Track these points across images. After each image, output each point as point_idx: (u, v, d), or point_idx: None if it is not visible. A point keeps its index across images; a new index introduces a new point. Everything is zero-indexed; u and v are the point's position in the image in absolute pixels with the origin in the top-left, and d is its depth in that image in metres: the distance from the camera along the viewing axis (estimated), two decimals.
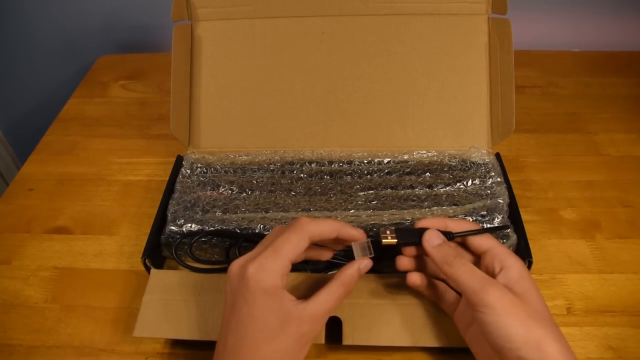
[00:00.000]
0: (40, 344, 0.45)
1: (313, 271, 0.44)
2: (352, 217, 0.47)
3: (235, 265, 0.35)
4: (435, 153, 0.54)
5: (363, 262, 0.37)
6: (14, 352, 0.45)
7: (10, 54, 0.89)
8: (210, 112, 0.56)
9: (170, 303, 0.42)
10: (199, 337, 0.41)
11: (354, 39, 0.55)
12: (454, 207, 0.48)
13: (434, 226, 0.39)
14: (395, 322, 0.40)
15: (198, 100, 0.56)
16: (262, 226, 0.46)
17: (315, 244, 0.39)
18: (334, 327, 0.40)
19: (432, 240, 0.38)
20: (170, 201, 0.50)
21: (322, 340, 0.39)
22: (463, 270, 0.36)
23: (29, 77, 0.93)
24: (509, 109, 0.53)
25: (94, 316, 0.47)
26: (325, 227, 0.36)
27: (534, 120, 0.67)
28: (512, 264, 0.36)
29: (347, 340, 0.39)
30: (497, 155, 0.54)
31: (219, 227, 0.47)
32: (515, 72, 0.52)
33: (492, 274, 0.36)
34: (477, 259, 0.39)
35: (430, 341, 0.40)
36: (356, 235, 0.38)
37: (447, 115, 0.55)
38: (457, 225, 0.39)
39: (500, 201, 0.48)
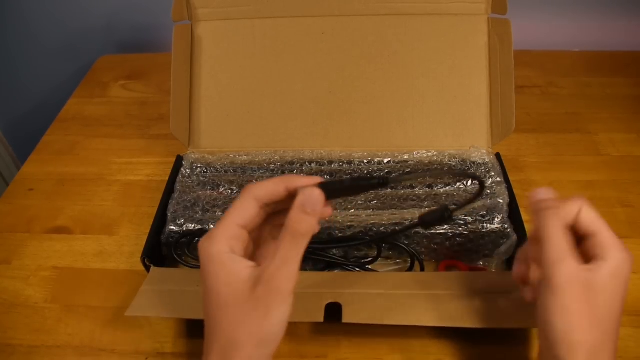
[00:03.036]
0: (40, 344, 0.45)
1: (313, 270, 0.44)
2: (352, 217, 0.47)
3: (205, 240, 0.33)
4: (435, 153, 0.54)
5: (305, 194, 0.30)
6: (14, 352, 0.45)
7: (10, 54, 0.89)
8: (210, 112, 0.56)
9: (167, 292, 0.42)
10: (193, 316, 0.40)
11: (354, 39, 0.55)
12: (453, 207, 0.47)
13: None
14: (395, 306, 0.40)
15: (198, 100, 0.56)
16: None
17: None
18: (333, 313, 0.40)
19: (542, 195, 0.36)
20: (170, 201, 0.50)
21: (321, 319, 0.39)
22: (552, 231, 0.32)
23: (29, 77, 0.93)
24: (509, 109, 0.53)
25: (94, 316, 0.47)
26: (269, 184, 0.32)
27: (534, 120, 0.67)
28: (611, 258, 0.31)
29: (346, 318, 0.39)
30: (497, 155, 0.54)
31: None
32: (515, 72, 0.52)
33: (587, 261, 0.32)
34: (581, 240, 0.34)
35: (432, 321, 0.39)
36: (305, 182, 0.32)
37: (447, 115, 0.55)
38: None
39: (500, 201, 0.48)
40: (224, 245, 0.31)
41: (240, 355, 0.30)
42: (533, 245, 0.35)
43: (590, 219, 0.33)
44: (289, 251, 0.30)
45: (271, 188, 0.32)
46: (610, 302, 0.31)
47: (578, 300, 0.30)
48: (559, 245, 0.31)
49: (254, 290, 0.30)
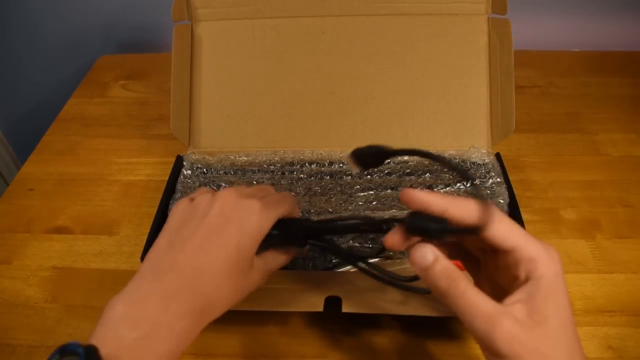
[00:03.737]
0: (40, 344, 0.45)
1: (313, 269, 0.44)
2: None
3: (237, 192, 0.35)
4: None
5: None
6: (14, 352, 0.45)
7: (10, 54, 0.89)
8: (210, 112, 0.56)
9: None
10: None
11: (354, 39, 0.55)
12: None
13: (419, 201, 0.30)
14: (395, 297, 0.40)
15: (198, 100, 0.56)
16: None
17: None
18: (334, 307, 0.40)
19: (421, 260, 0.29)
20: (171, 201, 0.50)
21: (321, 308, 0.39)
22: (465, 304, 0.28)
23: (29, 77, 0.93)
24: (509, 109, 0.53)
25: (94, 316, 0.46)
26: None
27: (534, 120, 0.67)
28: (542, 275, 0.28)
29: (346, 309, 0.39)
30: (497, 155, 0.54)
31: None
32: (515, 72, 0.52)
33: (515, 281, 0.29)
34: (496, 254, 0.30)
35: (432, 311, 0.39)
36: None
37: (447, 115, 0.55)
38: (440, 204, 0.29)
39: (501, 201, 0.48)
40: (265, 230, 0.34)
41: (214, 315, 0.33)
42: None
43: (503, 231, 0.29)
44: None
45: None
46: (559, 323, 0.28)
47: (528, 347, 0.27)
48: (477, 316, 0.27)
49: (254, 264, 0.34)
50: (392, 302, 0.40)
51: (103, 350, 0.27)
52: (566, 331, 0.28)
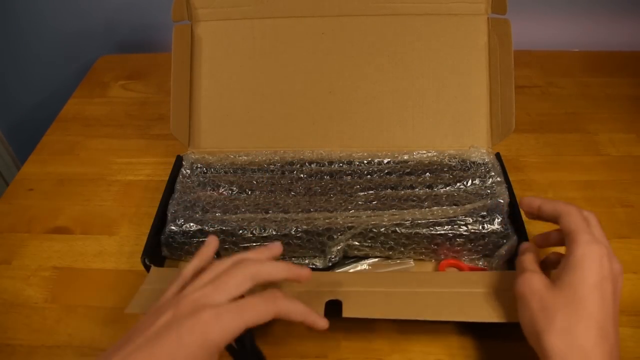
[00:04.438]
0: (40, 344, 0.45)
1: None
2: (352, 217, 0.47)
3: (190, 290, 0.33)
4: (435, 153, 0.54)
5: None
6: (14, 352, 0.45)
7: (10, 54, 0.89)
8: (210, 112, 0.56)
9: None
10: None
11: (354, 39, 0.55)
12: (454, 207, 0.48)
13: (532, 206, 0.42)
14: (395, 302, 0.40)
15: (198, 100, 0.56)
16: (261, 227, 0.46)
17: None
18: (334, 311, 0.40)
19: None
20: (170, 201, 0.50)
21: (321, 313, 0.39)
22: (519, 263, 0.40)
23: (29, 77, 0.93)
24: (509, 109, 0.53)
25: (94, 316, 0.47)
26: (295, 311, 0.34)
27: (534, 120, 0.67)
28: (571, 252, 0.36)
29: (346, 313, 0.39)
30: (497, 155, 0.54)
31: (219, 228, 0.47)
32: (515, 72, 0.52)
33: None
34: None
35: (432, 315, 0.39)
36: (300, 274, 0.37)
37: (447, 115, 0.55)
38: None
39: (501, 201, 0.48)
40: (223, 344, 0.32)
41: None
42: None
43: (563, 221, 0.38)
44: None
45: (293, 315, 0.35)
46: (580, 303, 0.34)
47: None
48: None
49: None
50: (392, 306, 0.40)
51: None
52: (577, 302, 0.34)
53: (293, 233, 0.46)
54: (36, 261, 0.52)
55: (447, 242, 0.46)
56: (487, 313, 0.39)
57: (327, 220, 0.46)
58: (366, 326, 0.44)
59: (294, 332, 0.45)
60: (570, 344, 0.33)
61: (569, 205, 0.39)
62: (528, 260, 0.40)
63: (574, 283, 0.35)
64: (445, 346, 0.43)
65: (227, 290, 0.33)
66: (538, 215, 0.41)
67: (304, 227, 0.46)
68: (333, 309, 0.40)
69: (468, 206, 0.47)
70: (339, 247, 0.47)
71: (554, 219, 0.39)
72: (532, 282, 0.37)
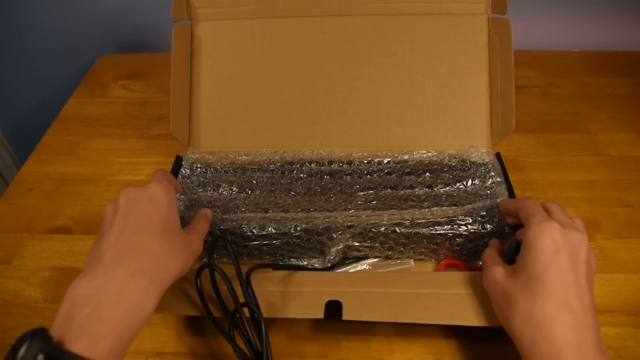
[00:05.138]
0: None
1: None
2: (352, 217, 0.47)
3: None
4: (435, 153, 0.54)
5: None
6: None
7: (10, 54, 0.89)
8: (210, 112, 0.56)
9: (167, 290, 0.42)
10: (193, 312, 0.41)
11: (354, 39, 0.55)
12: (453, 207, 0.48)
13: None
14: (395, 304, 0.40)
15: (198, 100, 0.56)
16: (260, 226, 0.46)
17: None
18: (333, 311, 0.40)
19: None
20: None
21: (321, 315, 0.39)
22: (484, 260, 0.42)
23: (29, 77, 0.93)
24: (509, 109, 0.53)
25: None
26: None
27: (534, 120, 0.67)
28: (525, 241, 0.37)
29: (346, 316, 0.39)
30: (498, 155, 0.54)
31: (219, 228, 0.47)
32: (515, 72, 0.52)
33: None
34: None
35: (432, 318, 0.39)
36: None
37: (447, 115, 0.55)
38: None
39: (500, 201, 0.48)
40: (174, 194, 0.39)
41: (169, 274, 0.35)
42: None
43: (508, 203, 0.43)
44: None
45: None
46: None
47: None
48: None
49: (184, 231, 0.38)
50: (392, 308, 0.40)
51: (57, 330, 0.29)
52: (534, 281, 0.35)
53: (292, 232, 0.46)
54: (36, 261, 0.52)
55: (447, 242, 0.46)
56: (487, 317, 0.39)
57: (326, 220, 0.46)
58: (366, 326, 0.44)
59: (294, 332, 0.45)
60: (531, 324, 0.34)
61: (527, 199, 0.41)
62: (488, 256, 0.41)
63: (528, 264, 0.35)
64: (445, 346, 0.43)
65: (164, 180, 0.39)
66: (507, 216, 0.43)
67: (304, 225, 0.46)
68: (333, 309, 0.40)
69: (468, 206, 0.47)
70: (338, 248, 0.46)
71: (517, 216, 0.40)
72: (494, 275, 0.38)
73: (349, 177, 0.53)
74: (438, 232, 0.46)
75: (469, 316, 0.39)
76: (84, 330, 0.29)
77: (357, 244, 0.47)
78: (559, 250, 0.35)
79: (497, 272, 0.38)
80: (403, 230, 0.46)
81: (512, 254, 0.40)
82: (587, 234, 0.37)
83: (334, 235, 0.46)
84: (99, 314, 0.30)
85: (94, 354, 0.28)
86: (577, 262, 0.35)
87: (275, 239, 0.46)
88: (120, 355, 0.30)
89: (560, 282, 0.34)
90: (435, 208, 0.48)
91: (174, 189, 0.40)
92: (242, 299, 0.40)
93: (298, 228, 0.46)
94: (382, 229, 0.46)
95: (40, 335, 0.28)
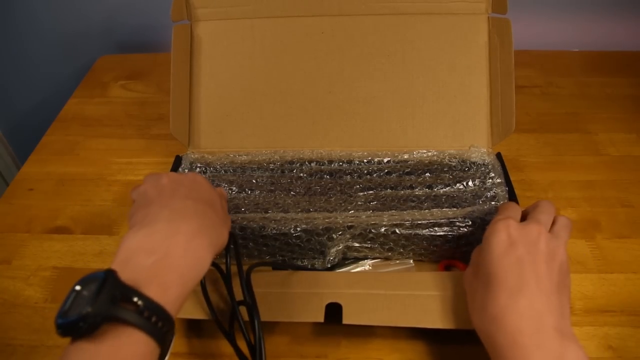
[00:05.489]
0: (40, 344, 0.45)
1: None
2: (352, 218, 0.47)
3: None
4: (435, 153, 0.54)
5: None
6: (14, 352, 0.45)
7: (10, 54, 0.89)
8: (210, 112, 0.56)
9: None
10: (194, 315, 0.41)
11: (354, 39, 0.55)
12: (453, 209, 0.48)
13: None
14: (395, 307, 0.40)
15: (198, 100, 0.56)
16: (260, 226, 0.46)
17: None
18: (333, 313, 0.40)
19: None
20: None
21: (321, 319, 0.39)
22: None
23: (29, 77, 0.93)
24: (509, 109, 0.53)
25: None
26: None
27: (534, 120, 0.67)
28: (483, 241, 0.38)
29: (347, 319, 0.39)
30: (498, 155, 0.54)
31: None
32: (515, 72, 0.52)
33: None
34: None
35: (433, 322, 0.39)
36: None
37: (447, 115, 0.55)
38: None
39: (500, 202, 0.48)
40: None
41: (221, 244, 0.37)
42: None
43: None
44: None
45: None
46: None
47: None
48: None
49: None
50: (392, 311, 0.40)
51: (122, 275, 0.28)
52: (489, 277, 0.35)
53: (292, 232, 0.46)
54: (36, 261, 0.52)
55: (447, 244, 0.46)
56: None
57: (326, 220, 0.46)
58: (366, 327, 0.44)
59: (295, 332, 0.45)
60: (485, 317, 0.34)
61: (507, 203, 0.42)
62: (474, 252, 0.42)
63: (483, 261, 0.37)
64: (445, 346, 0.43)
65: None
66: None
67: (304, 226, 0.46)
68: (333, 313, 0.40)
69: (468, 208, 0.47)
70: (338, 248, 0.46)
71: None
72: (464, 277, 0.40)
73: (348, 177, 0.52)
74: (438, 233, 0.46)
75: (469, 320, 0.39)
76: (154, 276, 0.30)
77: (357, 244, 0.47)
78: (513, 244, 0.36)
79: (466, 273, 0.39)
80: (403, 231, 0.46)
81: (463, 236, 0.43)
82: (570, 229, 0.38)
83: (334, 236, 0.46)
84: (168, 262, 0.31)
85: (164, 301, 0.29)
86: (535, 252, 0.35)
87: (275, 239, 0.46)
88: (180, 306, 0.31)
89: (513, 273, 0.34)
90: (435, 209, 0.48)
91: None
92: (240, 297, 0.40)
93: (298, 228, 0.46)
94: (382, 229, 0.46)
95: (112, 277, 0.28)
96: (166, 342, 0.29)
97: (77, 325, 0.26)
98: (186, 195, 0.36)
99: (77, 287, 0.28)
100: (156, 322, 0.28)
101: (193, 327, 0.46)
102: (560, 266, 0.36)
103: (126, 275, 0.29)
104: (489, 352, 0.34)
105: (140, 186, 0.38)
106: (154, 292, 0.29)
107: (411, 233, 0.46)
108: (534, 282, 0.34)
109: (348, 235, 0.46)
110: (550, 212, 0.39)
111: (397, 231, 0.46)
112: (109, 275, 0.28)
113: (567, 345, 0.32)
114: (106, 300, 0.27)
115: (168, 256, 0.31)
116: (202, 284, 0.41)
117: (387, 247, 0.47)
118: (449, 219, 0.46)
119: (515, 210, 0.40)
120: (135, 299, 0.28)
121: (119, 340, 0.27)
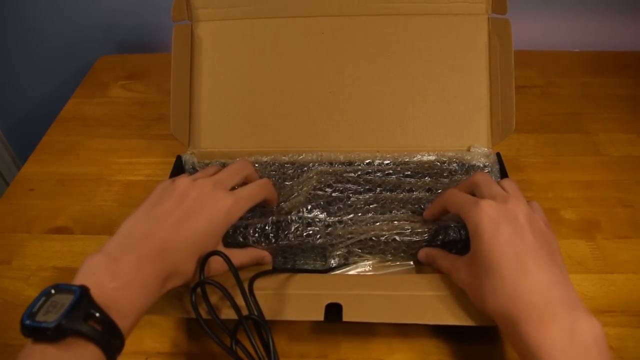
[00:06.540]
0: None
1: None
2: (353, 227, 0.47)
3: (213, 182, 0.41)
4: (435, 156, 0.53)
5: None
6: (15, 352, 0.45)
7: (10, 54, 0.89)
8: (210, 112, 0.56)
9: (167, 291, 0.42)
10: (194, 315, 0.40)
11: (354, 39, 0.55)
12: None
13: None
14: (396, 306, 0.40)
15: (198, 100, 0.56)
16: (261, 228, 0.46)
17: None
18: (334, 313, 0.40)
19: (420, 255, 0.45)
20: None
21: (321, 318, 0.39)
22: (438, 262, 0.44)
23: (29, 78, 0.93)
24: (509, 109, 0.53)
25: None
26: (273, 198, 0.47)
27: (534, 120, 0.67)
28: (470, 230, 0.38)
29: (347, 317, 0.39)
30: (498, 155, 0.54)
31: None
32: (515, 72, 0.52)
33: None
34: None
35: (433, 319, 0.39)
36: None
37: (447, 115, 0.55)
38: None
39: None
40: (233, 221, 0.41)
41: (177, 283, 0.39)
42: None
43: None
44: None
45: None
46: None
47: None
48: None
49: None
50: (393, 310, 0.40)
51: (92, 292, 0.32)
52: (484, 265, 0.36)
53: (292, 235, 0.46)
54: (36, 261, 0.52)
55: (447, 245, 0.46)
56: (485, 316, 0.39)
57: (326, 232, 0.46)
58: (366, 326, 0.44)
59: (295, 332, 0.45)
60: (498, 299, 0.35)
61: (447, 191, 0.43)
62: (439, 258, 0.43)
63: (477, 250, 0.37)
64: (445, 346, 0.43)
65: (242, 200, 0.42)
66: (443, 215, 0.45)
67: (305, 228, 0.46)
68: (333, 312, 0.40)
69: None
70: (339, 253, 0.47)
71: (446, 211, 0.43)
72: (458, 276, 0.40)
73: (349, 178, 0.52)
74: (438, 237, 0.45)
75: (470, 316, 0.39)
76: (110, 302, 0.32)
77: (358, 249, 0.47)
78: (497, 225, 0.36)
79: (460, 271, 0.39)
80: (404, 238, 0.45)
81: (457, 241, 0.43)
82: (516, 185, 0.41)
83: (334, 241, 0.46)
84: (124, 293, 0.33)
85: (121, 324, 0.32)
86: (519, 227, 0.36)
87: (276, 241, 0.46)
88: (133, 326, 0.35)
89: (508, 254, 0.35)
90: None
91: (249, 206, 0.42)
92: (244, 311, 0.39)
93: (297, 232, 0.46)
94: (383, 238, 0.45)
95: (87, 295, 0.31)
96: (115, 356, 0.32)
97: (45, 331, 0.29)
98: (179, 220, 0.38)
99: (53, 291, 0.31)
100: (114, 341, 0.32)
101: (193, 328, 0.46)
102: (541, 230, 0.37)
103: (94, 293, 0.32)
104: (507, 334, 0.35)
105: (164, 182, 0.41)
106: (115, 314, 0.32)
107: (411, 240, 0.45)
108: (530, 258, 0.35)
109: (348, 242, 0.46)
110: (493, 181, 0.41)
111: (398, 239, 0.45)
112: (85, 293, 0.31)
113: (578, 316, 0.33)
114: (78, 316, 0.30)
115: (127, 287, 0.34)
116: (193, 302, 0.39)
117: (388, 253, 0.47)
118: (448, 224, 0.45)
119: (485, 185, 0.41)
120: (101, 318, 0.31)
121: (79, 351, 0.30)
